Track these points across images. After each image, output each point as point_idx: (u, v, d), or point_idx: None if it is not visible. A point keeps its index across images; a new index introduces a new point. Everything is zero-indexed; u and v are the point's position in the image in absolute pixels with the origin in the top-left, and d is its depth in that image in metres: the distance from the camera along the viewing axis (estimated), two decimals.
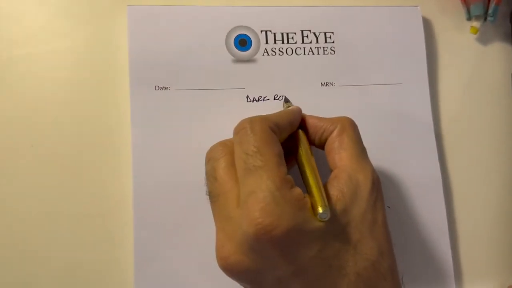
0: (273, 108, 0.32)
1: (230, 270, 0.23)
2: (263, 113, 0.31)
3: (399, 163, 0.33)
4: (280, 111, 0.28)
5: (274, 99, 0.33)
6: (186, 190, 0.30)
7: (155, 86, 0.31)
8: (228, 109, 0.32)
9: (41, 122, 0.31)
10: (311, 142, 0.28)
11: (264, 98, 0.32)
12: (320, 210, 0.22)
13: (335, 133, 0.27)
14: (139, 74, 0.31)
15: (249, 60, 0.33)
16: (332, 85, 0.34)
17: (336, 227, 0.23)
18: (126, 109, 0.31)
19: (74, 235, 0.30)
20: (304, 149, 0.26)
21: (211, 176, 0.25)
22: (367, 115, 0.34)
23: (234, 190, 0.23)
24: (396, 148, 0.34)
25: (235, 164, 0.24)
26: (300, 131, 0.28)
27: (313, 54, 0.34)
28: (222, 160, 0.25)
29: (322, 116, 0.28)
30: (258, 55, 0.33)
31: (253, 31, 0.33)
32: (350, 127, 0.27)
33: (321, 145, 0.28)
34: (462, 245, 0.34)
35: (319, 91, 0.33)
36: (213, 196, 0.25)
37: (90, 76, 0.32)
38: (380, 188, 0.26)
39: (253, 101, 0.32)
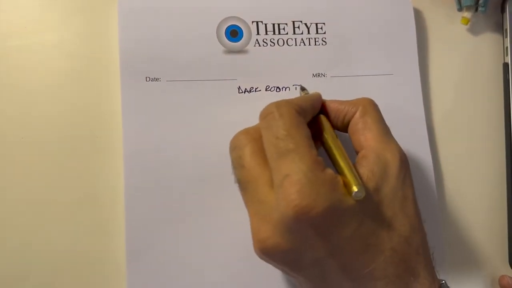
0: (264, 99, 0.32)
1: (268, 252, 0.23)
2: (255, 104, 0.31)
3: None
4: (302, 96, 0.28)
5: (266, 90, 0.33)
6: (177, 181, 0.30)
7: (146, 78, 0.31)
8: (219, 100, 0.32)
9: (31, 114, 0.30)
10: (333, 126, 0.28)
11: (256, 89, 0.32)
12: (355, 189, 0.22)
13: (357, 114, 0.27)
14: (130, 65, 0.31)
15: (241, 51, 0.33)
16: (324, 76, 0.34)
17: (370, 206, 0.23)
18: (117, 101, 0.30)
19: (66, 226, 0.30)
20: (329, 132, 0.27)
21: (238, 164, 0.25)
22: None
23: (264, 175, 0.24)
24: None
25: (265, 149, 0.24)
26: (322, 116, 0.28)
27: (304, 45, 0.34)
28: (247, 147, 0.25)
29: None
30: (250, 46, 0.33)
31: (244, 22, 0.33)
32: (372, 107, 0.27)
33: (344, 128, 0.28)
34: (454, 236, 0.34)
35: (310, 82, 0.33)
36: (243, 183, 0.25)
37: (81, 68, 0.31)
38: (408, 165, 0.26)
39: (244, 92, 0.32)
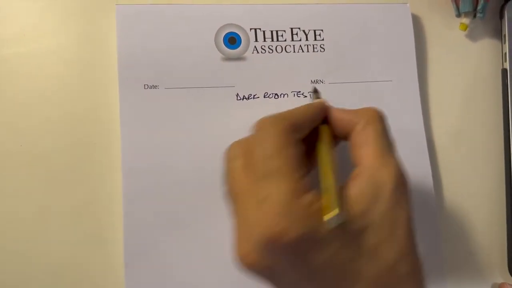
0: (262, 106, 0.32)
1: (247, 268, 0.23)
2: (253, 111, 0.32)
3: None
4: (300, 106, 0.27)
5: (264, 97, 0.33)
6: (175, 189, 0.30)
7: (144, 85, 0.31)
8: (217, 107, 0.32)
9: (29, 121, 0.30)
10: (338, 136, 0.27)
11: (254, 96, 0.32)
12: (330, 215, 0.21)
13: (359, 126, 0.25)
14: (128, 73, 0.31)
15: (239, 58, 0.33)
16: (322, 82, 0.34)
17: (353, 231, 0.22)
18: (115, 108, 0.30)
19: (65, 233, 0.30)
20: (324, 146, 0.26)
21: (229, 176, 0.25)
22: None
23: (251, 190, 0.23)
24: None
25: (253, 164, 0.24)
26: (323, 126, 0.27)
27: (302, 51, 0.34)
28: (240, 160, 0.24)
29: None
30: (248, 53, 0.33)
31: (242, 29, 0.33)
32: (376, 119, 0.26)
33: (347, 138, 0.27)
34: (453, 243, 0.34)
35: (309, 88, 0.33)
36: (232, 195, 0.24)
37: (79, 75, 0.31)
38: (406, 185, 0.24)
39: (243, 99, 0.32)
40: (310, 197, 0.22)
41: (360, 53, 0.34)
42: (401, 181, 0.24)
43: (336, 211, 0.21)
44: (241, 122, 0.30)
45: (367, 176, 0.23)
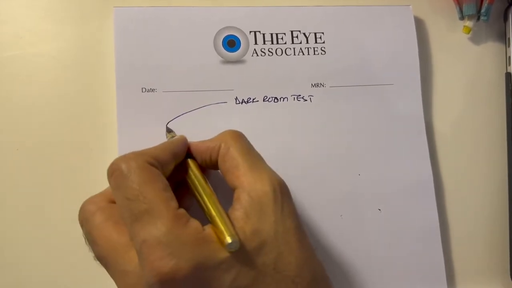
0: (262, 109, 0.32)
1: None
2: (252, 115, 0.32)
3: (390, 165, 0.33)
4: (160, 144, 0.26)
5: (264, 100, 0.32)
6: None
7: (142, 88, 0.30)
8: (216, 111, 0.31)
9: (25, 126, 0.30)
10: (206, 167, 0.27)
11: (253, 99, 0.32)
12: (228, 240, 0.21)
13: (221, 151, 0.25)
14: (125, 76, 0.30)
15: (238, 61, 0.32)
16: (323, 86, 0.33)
17: (250, 251, 0.22)
18: (113, 112, 0.30)
19: (60, 239, 0.29)
20: (195, 178, 0.25)
21: (90, 241, 0.23)
22: (358, 117, 0.33)
23: (122, 241, 0.22)
24: (387, 150, 0.33)
25: (120, 212, 0.22)
26: (189, 160, 0.26)
27: (303, 54, 0.33)
28: (95, 219, 0.23)
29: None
30: (247, 56, 0.32)
31: (241, 31, 0.32)
32: (234, 139, 0.25)
33: (217, 167, 0.26)
34: (454, 247, 0.34)
35: (309, 92, 0.33)
36: (101, 260, 0.23)
37: (76, 78, 0.31)
38: (285, 191, 0.24)
39: (242, 102, 0.32)
40: (195, 224, 0.22)
41: (361, 56, 0.34)
42: (277, 189, 0.24)
43: (232, 235, 0.21)
44: (240, 126, 0.30)
45: (246, 196, 0.23)
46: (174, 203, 0.22)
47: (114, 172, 0.23)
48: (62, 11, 0.32)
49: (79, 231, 0.29)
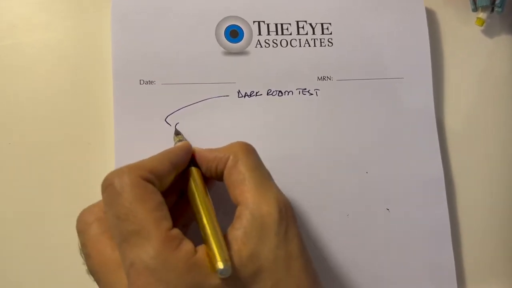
0: (266, 103, 0.31)
1: None
2: (255, 109, 0.30)
3: (400, 162, 0.32)
4: (158, 153, 0.24)
5: (267, 94, 0.31)
6: None
7: (140, 80, 0.29)
8: (217, 104, 0.30)
9: (19, 118, 0.30)
10: (210, 178, 0.25)
11: (256, 93, 0.31)
12: (220, 266, 0.19)
13: (229, 163, 0.24)
14: (122, 67, 0.29)
15: (241, 53, 0.31)
16: (330, 79, 0.32)
17: (246, 276, 0.21)
18: (110, 105, 0.29)
19: (56, 236, 0.29)
20: (196, 190, 0.24)
21: (84, 254, 0.23)
22: (366, 112, 0.32)
23: (112, 259, 0.21)
24: (396, 147, 0.32)
25: (111, 231, 0.22)
26: (192, 169, 0.25)
27: (309, 46, 0.32)
28: (90, 231, 0.22)
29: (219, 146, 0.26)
30: (251, 47, 0.31)
31: (245, 21, 0.31)
32: (244, 153, 0.24)
33: (221, 178, 0.25)
34: (465, 247, 0.33)
35: (315, 85, 0.32)
36: (93, 273, 0.22)
37: (72, 69, 0.31)
38: (291, 213, 0.23)
39: (244, 96, 0.31)
40: (187, 247, 0.20)
41: (370, 48, 0.33)
42: (284, 211, 0.23)
43: (224, 261, 0.20)
44: (242, 121, 0.30)
45: (248, 215, 0.22)
46: (166, 223, 0.21)
47: (107, 188, 0.22)
48: (59, 1, 0.31)
49: (75, 223, 0.28)
